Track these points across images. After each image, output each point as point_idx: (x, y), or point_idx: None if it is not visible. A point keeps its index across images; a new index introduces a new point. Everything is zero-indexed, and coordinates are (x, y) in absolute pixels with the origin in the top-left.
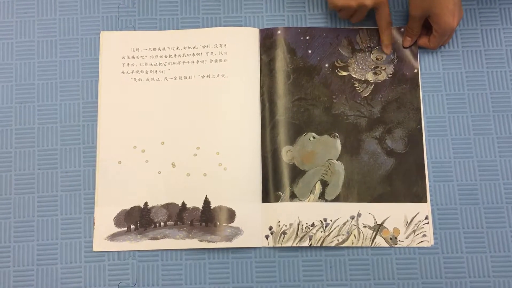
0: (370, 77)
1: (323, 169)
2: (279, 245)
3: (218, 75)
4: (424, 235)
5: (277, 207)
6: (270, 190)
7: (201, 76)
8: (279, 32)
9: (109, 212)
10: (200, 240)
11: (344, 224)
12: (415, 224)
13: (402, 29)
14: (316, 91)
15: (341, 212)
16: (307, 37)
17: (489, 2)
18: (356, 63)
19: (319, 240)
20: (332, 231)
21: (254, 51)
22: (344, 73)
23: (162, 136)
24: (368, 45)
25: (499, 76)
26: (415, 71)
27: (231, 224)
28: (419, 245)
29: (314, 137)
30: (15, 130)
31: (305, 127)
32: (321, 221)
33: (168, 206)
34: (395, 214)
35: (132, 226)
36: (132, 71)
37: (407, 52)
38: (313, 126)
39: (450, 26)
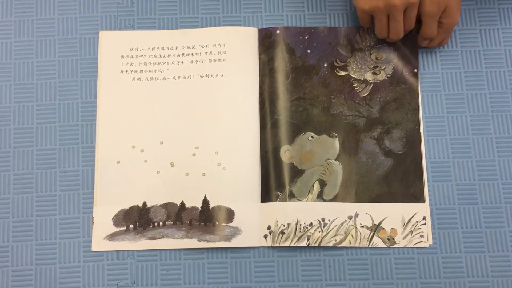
0: (369, 77)
1: (321, 169)
2: (278, 245)
3: (217, 75)
4: (422, 236)
5: (275, 206)
6: (269, 190)
7: (200, 76)
8: (278, 31)
9: (108, 211)
10: (199, 240)
11: (342, 224)
12: (413, 225)
13: None
14: (315, 91)
15: (339, 212)
16: (306, 37)
17: (488, 2)
18: (355, 62)
19: (317, 240)
20: (330, 231)
21: (253, 51)
22: (343, 73)
23: (161, 136)
24: (368, 44)
25: (498, 76)
26: (415, 70)
27: (230, 224)
28: (416, 246)
29: (312, 137)
30: (13, 130)
31: (303, 126)
32: (319, 221)
33: (167, 205)
34: (392, 214)
35: (131, 226)
36: (131, 71)
37: (407, 51)
38: (311, 125)
39: (456, 20)
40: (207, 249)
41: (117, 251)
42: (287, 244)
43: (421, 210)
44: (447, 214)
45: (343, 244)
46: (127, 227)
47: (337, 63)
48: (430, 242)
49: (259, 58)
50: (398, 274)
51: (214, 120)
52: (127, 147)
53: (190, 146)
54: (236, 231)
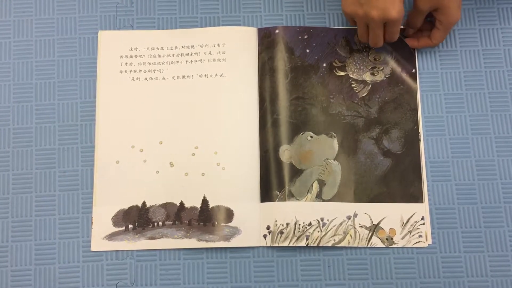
0: (367, 77)
1: (320, 169)
2: (277, 245)
3: (216, 75)
4: (420, 236)
5: (274, 206)
6: (268, 190)
7: (199, 76)
8: (277, 31)
9: (107, 211)
10: (198, 240)
11: (341, 224)
12: (411, 225)
13: None
14: (314, 91)
15: (337, 212)
16: (305, 37)
17: (487, 2)
18: (354, 63)
19: (316, 239)
20: (328, 231)
21: (252, 51)
22: (341, 73)
23: (160, 136)
24: (366, 45)
25: (497, 76)
26: (413, 71)
27: (229, 224)
28: (414, 246)
29: (311, 137)
30: (12, 130)
31: (302, 126)
32: (318, 220)
33: (166, 205)
34: (391, 214)
35: (130, 226)
36: (130, 71)
37: (405, 52)
38: (310, 125)
39: (456, 19)
40: (207, 249)
41: (117, 251)
42: (286, 244)
43: (420, 210)
44: (446, 214)
45: (341, 244)
46: (127, 227)
47: (336, 63)
48: (430, 242)
49: (259, 58)
50: (397, 274)
51: (214, 120)
52: (126, 147)
53: (189, 146)
54: (235, 231)
